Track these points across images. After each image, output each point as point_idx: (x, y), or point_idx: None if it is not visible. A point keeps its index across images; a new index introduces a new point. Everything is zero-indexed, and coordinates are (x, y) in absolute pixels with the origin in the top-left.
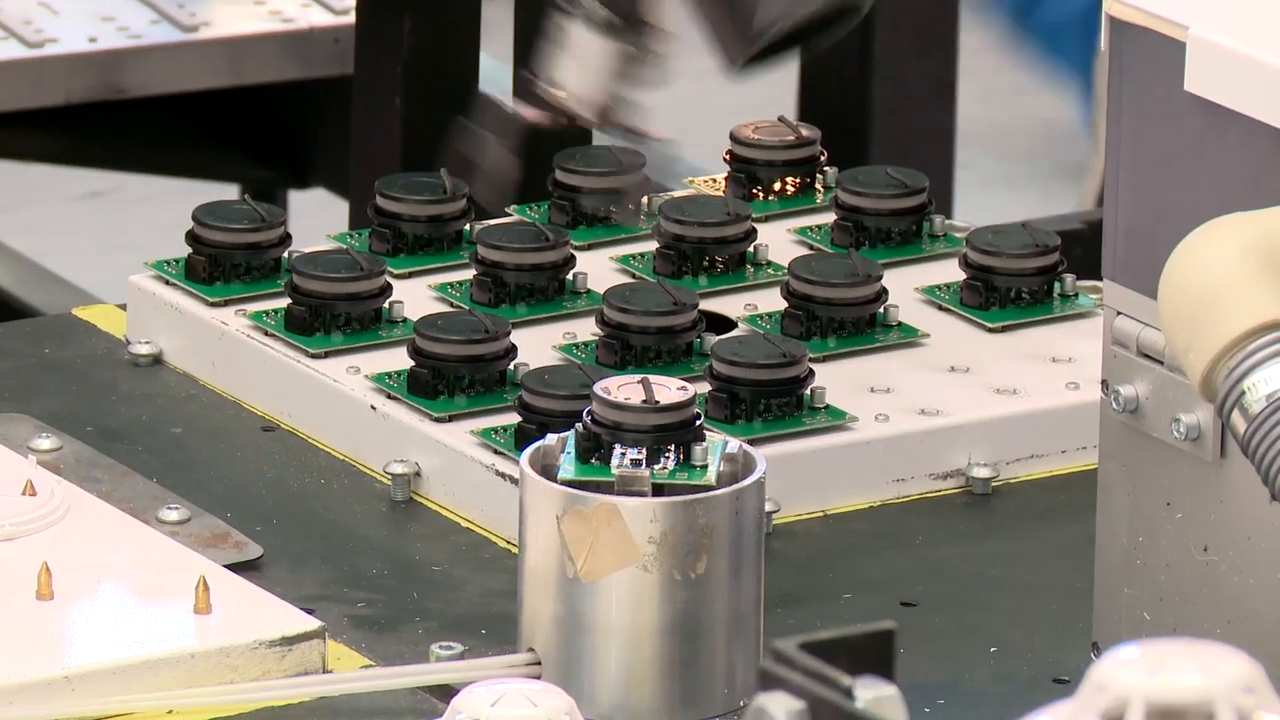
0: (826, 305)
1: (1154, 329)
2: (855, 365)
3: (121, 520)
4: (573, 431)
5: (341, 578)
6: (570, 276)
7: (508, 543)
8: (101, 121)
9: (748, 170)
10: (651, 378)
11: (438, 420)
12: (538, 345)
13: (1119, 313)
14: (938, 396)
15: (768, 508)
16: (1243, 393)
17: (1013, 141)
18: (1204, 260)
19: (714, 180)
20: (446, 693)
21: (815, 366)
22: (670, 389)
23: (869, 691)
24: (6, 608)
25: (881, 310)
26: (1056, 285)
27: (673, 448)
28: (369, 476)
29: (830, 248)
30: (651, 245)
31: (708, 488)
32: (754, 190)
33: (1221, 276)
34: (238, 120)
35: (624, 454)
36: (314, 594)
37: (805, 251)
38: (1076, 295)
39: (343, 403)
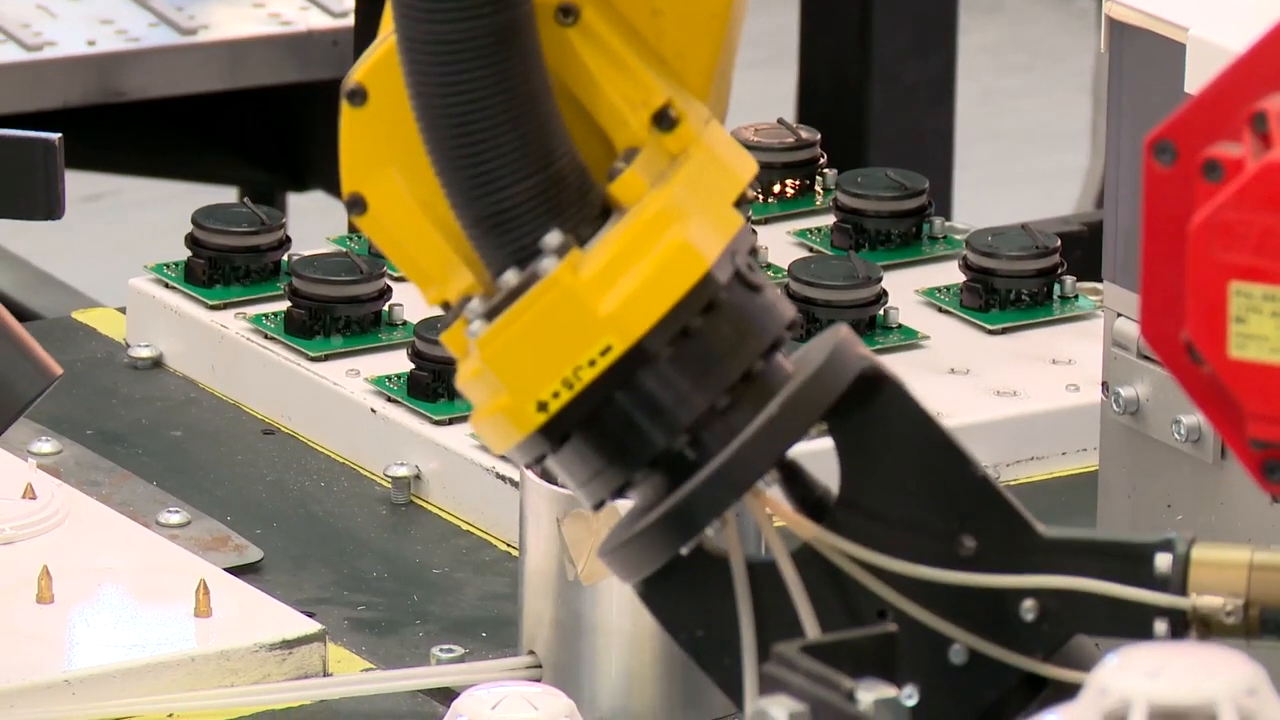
0: (826, 307)
1: None
2: None
3: (121, 523)
4: None
5: (342, 581)
6: None
7: (508, 545)
8: (100, 125)
9: None
10: None
11: (438, 423)
12: None
13: (1119, 314)
14: (938, 398)
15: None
16: None
17: (1012, 143)
18: None
19: None
20: (447, 696)
21: None
22: None
23: (870, 694)
24: (7, 611)
25: (881, 312)
26: (1056, 287)
27: None
28: (369, 479)
29: (830, 250)
30: None
31: None
32: (754, 192)
33: None
34: (236, 123)
35: None
36: (314, 597)
37: (805, 254)
38: (1076, 297)
39: (343, 405)
